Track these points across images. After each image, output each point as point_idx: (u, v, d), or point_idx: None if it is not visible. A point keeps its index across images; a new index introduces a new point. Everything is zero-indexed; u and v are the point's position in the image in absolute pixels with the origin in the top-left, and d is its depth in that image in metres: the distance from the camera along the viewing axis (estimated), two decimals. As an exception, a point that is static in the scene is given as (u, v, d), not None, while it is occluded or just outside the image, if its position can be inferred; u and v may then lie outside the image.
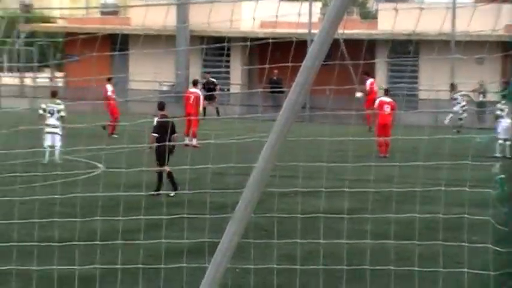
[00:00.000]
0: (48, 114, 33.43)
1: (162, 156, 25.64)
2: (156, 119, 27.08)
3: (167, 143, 24.70)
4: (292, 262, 14.67)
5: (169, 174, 25.61)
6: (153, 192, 25.09)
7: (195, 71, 57.56)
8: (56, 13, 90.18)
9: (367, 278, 14.54)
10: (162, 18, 57.71)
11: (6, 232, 18.47)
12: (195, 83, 43.38)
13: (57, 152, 32.74)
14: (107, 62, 58.25)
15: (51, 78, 66.25)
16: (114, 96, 43.69)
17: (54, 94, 35.76)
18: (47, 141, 32.92)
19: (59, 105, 33.93)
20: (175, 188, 25.56)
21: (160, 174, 25.91)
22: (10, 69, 66.44)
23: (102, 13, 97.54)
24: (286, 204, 20.09)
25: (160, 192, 25.41)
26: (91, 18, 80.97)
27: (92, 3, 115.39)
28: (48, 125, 33.02)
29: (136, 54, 58.14)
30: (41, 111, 33.68)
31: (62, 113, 33.73)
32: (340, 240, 14.71)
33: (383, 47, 57.75)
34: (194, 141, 37.66)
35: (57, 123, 33.30)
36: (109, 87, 44.25)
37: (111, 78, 44.35)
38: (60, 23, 75.85)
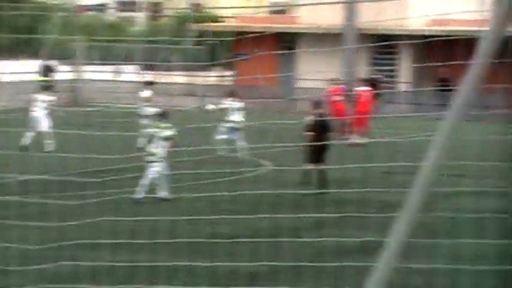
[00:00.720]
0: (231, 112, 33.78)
1: (318, 154, 25.27)
2: (309, 118, 26.68)
3: (323, 143, 24.70)
4: (459, 262, 14.49)
5: (322, 173, 25.05)
6: (316, 191, 24.83)
7: (363, 69, 57.48)
8: (225, 12, 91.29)
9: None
10: (330, 17, 57.90)
11: (173, 229, 18.69)
12: (365, 81, 43.15)
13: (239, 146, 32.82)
14: (275, 61, 58.55)
15: (221, 77, 66.96)
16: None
17: (232, 93, 35.84)
18: (226, 135, 33.17)
19: (239, 103, 34.30)
20: (324, 187, 24.87)
21: (314, 172, 25.41)
22: (180, 68, 67.41)
23: (271, 12, 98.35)
24: (453, 204, 19.84)
25: (327, 191, 25.09)
26: (260, 17, 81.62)
27: (261, 2, 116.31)
28: (230, 121, 33.36)
29: (304, 53, 58.36)
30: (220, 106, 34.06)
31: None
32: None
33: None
34: (360, 139, 37.50)
35: (241, 119, 33.52)
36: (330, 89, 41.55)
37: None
38: (230, 22, 76.58)
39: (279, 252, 16.00)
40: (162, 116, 25.49)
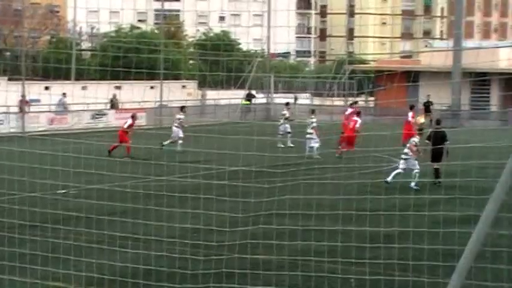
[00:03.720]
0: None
1: (436, 157, 25.08)
2: (430, 130, 26.95)
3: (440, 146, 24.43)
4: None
5: (437, 171, 25.00)
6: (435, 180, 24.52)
7: (464, 97, 56.72)
8: (369, 57, 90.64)
9: None
10: (442, 60, 56.88)
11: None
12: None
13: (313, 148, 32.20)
14: (404, 90, 57.90)
15: (365, 101, 66.69)
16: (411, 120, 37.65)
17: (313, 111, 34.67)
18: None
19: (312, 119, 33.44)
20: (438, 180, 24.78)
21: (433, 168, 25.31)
22: (338, 95, 67.45)
23: (401, 57, 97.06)
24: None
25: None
26: (393, 60, 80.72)
27: (394, 49, 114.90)
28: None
29: (424, 85, 57.53)
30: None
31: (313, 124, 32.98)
32: None
33: None
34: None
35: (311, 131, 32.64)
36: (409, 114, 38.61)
37: (412, 107, 39.66)
38: (372, 64, 76.12)
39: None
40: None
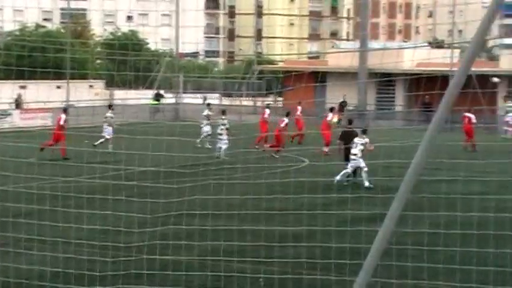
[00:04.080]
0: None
1: (347, 155, 25.29)
2: (341, 130, 27.42)
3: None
4: (437, 228, 14.33)
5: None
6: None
7: (370, 97, 57.66)
8: (277, 58, 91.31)
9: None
10: (349, 60, 57.79)
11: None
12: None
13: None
14: (312, 91, 58.56)
15: (274, 101, 67.16)
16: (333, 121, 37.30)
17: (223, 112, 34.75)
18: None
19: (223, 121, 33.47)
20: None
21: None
22: (247, 96, 67.70)
23: (309, 57, 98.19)
24: (433, 188, 19.64)
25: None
26: (301, 61, 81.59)
27: (302, 50, 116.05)
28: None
29: (331, 86, 58.30)
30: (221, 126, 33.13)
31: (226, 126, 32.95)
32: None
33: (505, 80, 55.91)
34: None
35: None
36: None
37: (333, 108, 41.70)
38: (280, 64, 76.78)
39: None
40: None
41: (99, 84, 66.10)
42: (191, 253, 13.91)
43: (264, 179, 20.58)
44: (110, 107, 37.21)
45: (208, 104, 41.09)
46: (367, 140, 24.97)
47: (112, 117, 35.12)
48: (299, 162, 29.26)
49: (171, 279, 12.36)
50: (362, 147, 24.66)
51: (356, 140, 24.91)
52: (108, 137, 33.83)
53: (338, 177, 24.13)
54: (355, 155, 24.56)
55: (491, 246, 13.55)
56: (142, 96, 60.79)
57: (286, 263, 13.23)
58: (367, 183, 23.78)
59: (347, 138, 25.67)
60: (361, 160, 24.42)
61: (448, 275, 12.84)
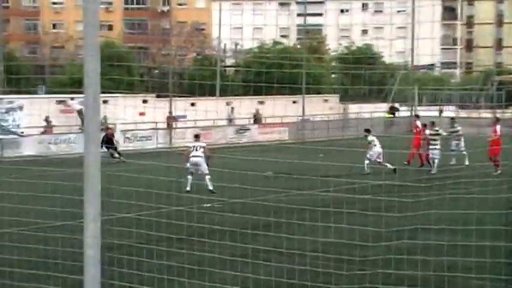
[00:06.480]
0: None
1: None
2: None
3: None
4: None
5: None
6: None
7: None
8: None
9: None
10: None
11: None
12: None
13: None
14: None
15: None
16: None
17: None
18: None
19: None
20: None
21: None
22: (486, 107, 65.76)
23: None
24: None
25: None
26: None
27: None
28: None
29: None
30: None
31: None
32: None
33: None
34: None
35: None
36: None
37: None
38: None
39: None
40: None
41: (333, 99, 66.97)
42: (427, 268, 13.70)
43: (503, 193, 19.83)
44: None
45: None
46: None
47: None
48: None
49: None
50: None
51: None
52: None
53: None
54: None
55: None
56: (377, 110, 60.82)
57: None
58: None
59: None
60: None
61: None
